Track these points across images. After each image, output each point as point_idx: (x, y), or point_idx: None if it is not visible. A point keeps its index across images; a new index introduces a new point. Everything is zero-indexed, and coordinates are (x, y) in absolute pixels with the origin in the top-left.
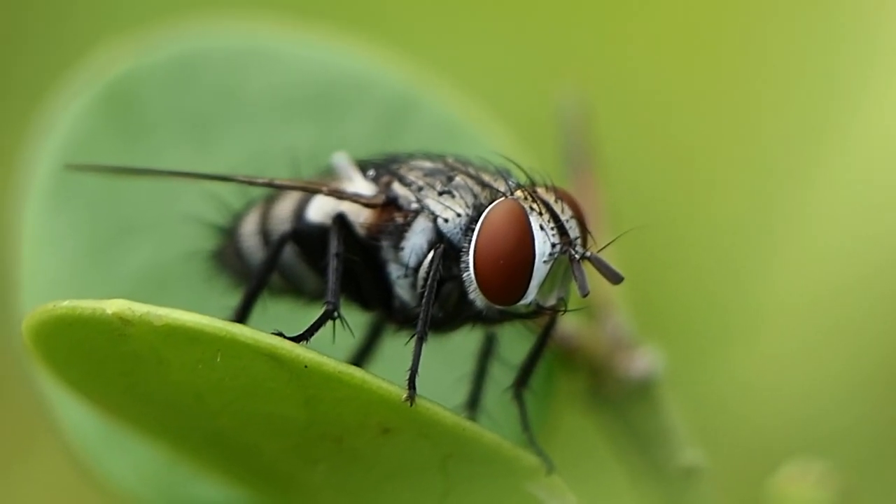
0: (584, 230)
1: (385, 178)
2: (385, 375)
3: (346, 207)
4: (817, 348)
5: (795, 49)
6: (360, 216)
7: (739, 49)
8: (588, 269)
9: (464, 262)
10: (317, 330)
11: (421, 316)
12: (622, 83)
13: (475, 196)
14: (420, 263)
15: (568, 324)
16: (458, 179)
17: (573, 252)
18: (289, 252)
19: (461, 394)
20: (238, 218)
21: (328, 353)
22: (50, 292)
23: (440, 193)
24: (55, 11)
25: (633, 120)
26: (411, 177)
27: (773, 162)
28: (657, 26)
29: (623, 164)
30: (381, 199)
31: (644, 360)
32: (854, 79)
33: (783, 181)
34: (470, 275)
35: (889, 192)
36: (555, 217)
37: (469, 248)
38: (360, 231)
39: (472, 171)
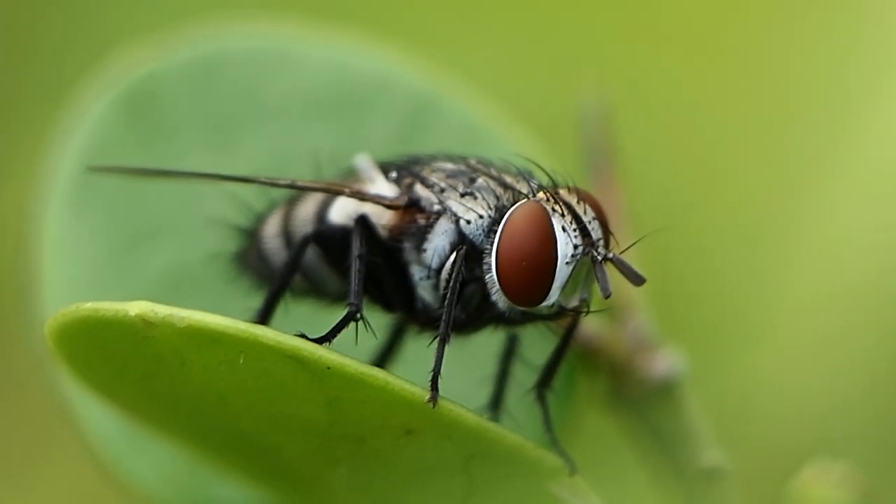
0: (606, 231)
1: (407, 180)
2: (408, 377)
3: (369, 209)
4: (836, 345)
5: (815, 46)
6: (382, 218)
7: (760, 46)
8: (610, 271)
9: (486, 263)
10: (339, 331)
11: (443, 317)
12: (642, 82)
13: (497, 198)
14: (442, 265)
15: (590, 325)
16: (481, 181)
17: (595, 253)
18: (311, 254)
19: (484, 395)
20: (260, 219)
21: (351, 355)
22: (72, 295)
23: (462, 195)
24: (74, 14)
25: (654, 119)
26: (433, 178)
27: (791, 160)
28: (676, 24)
29: (644, 164)
30: (403, 200)
31: (665, 361)
32: (874, 76)
33: (801, 179)
34: (492, 276)
35: None
36: (577, 218)
37: (491, 249)
38: (383, 233)
39: (494, 172)
